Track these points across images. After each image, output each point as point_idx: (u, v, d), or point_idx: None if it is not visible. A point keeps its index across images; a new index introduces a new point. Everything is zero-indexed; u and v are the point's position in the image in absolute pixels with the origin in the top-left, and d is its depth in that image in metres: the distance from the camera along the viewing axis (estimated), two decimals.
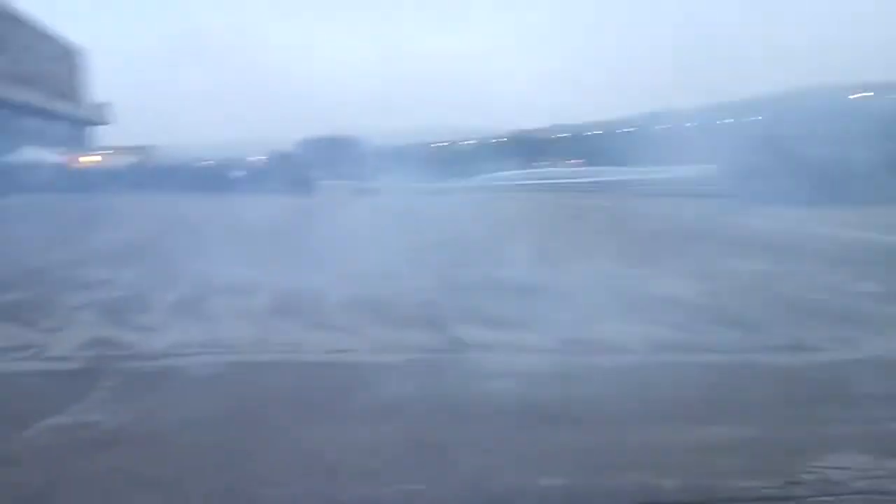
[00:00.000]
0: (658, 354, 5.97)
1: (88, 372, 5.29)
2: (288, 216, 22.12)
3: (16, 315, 7.22)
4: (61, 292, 8.48)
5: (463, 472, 3.57)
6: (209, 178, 43.85)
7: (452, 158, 79.24)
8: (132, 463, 3.63)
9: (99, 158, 47.93)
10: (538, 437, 4.03)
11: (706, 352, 6.09)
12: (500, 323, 7.02)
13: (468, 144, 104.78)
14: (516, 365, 5.53)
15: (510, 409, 4.53)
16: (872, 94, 24.53)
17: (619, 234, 16.48)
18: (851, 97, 24.58)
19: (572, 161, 71.36)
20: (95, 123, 60.53)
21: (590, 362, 5.66)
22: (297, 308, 7.63)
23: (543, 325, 6.92)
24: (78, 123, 56.69)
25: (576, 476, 3.54)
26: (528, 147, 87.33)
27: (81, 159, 46.44)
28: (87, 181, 41.63)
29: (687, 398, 4.80)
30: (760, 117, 28.17)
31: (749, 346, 6.14)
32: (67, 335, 6.44)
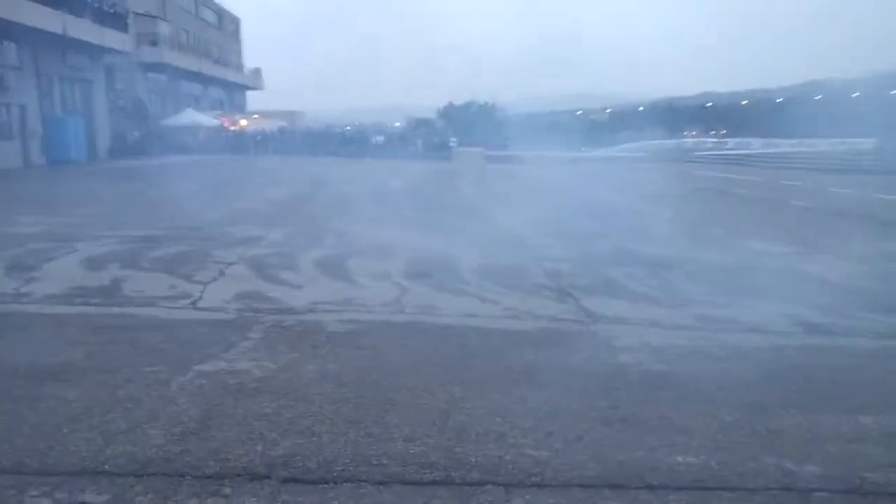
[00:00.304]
0: (802, 336, 5.66)
1: (238, 323, 5.65)
2: (426, 180, 22.48)
3: (175, 268, 7.79)
4: (215, 248, 9.06)
5: (590, 443, 3.55)
6: (351, 143, 45.24)
7: (590, 127, 77.64)
8: (274, 409, 3.87)
9: (251, 122, 50.40)
10: (669, 413, 3.93)
11: (854, 336, 5.72)
12: (636, 296, 6.88)
13: (607, 112, 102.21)
14: (649, 339, 5.41)
15: (639, 382, 4.45)
16: None
17: (766, 211, 15.64)
18: None
19: (719, 131, 68.10)
20: (249, 88, 63.68)
21: (727, 340, 5.45)
22: (433, 271, 7.78)
23: (680, 300, 6.72)
24: (233, 88, 59.81)
25: (709, 455, 3.44)
26: (672, 116, 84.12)
27: (236, 122, 49.04)
28: (241, 143, 44.00)
29: (833, 383, 4.54)
30: None
31: None
32: (220, 288, 6.89)
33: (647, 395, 4.24)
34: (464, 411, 3.91)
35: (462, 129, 50.99)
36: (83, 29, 28.51)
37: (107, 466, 3.19)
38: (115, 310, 6.00)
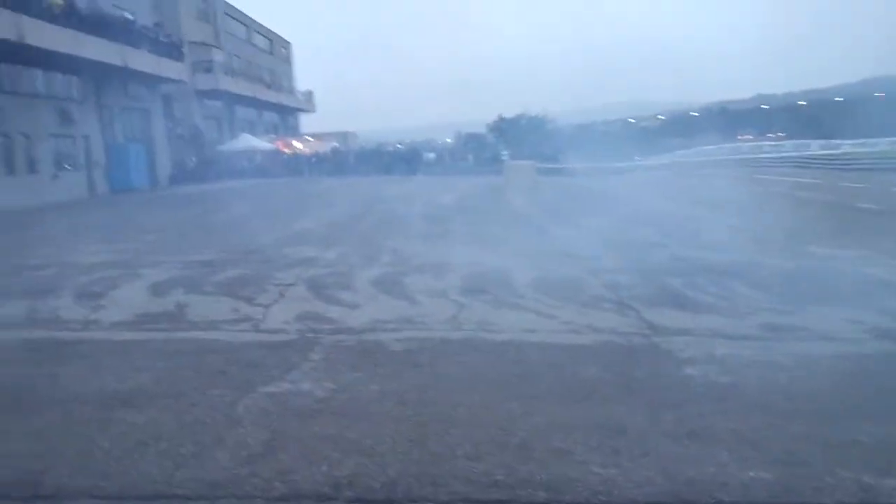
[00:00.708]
0: (872, 343, 5.47)
1: (299, 344, 5.72)
2: (478, 195, 22.50)
3: (236, 291, 7.94)
4: (274, 270, 9.21)
5: (657, 459, 3.47)
6: (403, 160, 45.62)
7: (642, 135, 76.75)
8: (338, 429, 3.89)
9: (305, 144, 51.29)
10: (738, 426, 3.82)
11: None
12: (698, 306, 6.75)
13: (659, 120, 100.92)
14: (713, 350, 5.28)
15: (706, 395, 4.34)
16: None
17: (830, 215, 15.20)
18: None
19: (776, 134, 66.54)
20: (302, 111, 64.85)
21: (794, 349, 5.29)
22: (489, 287, 7.76)
23: (744, 309, 6.56)
24: (286, 112, 60.99)
25: (783, 469, 3.33)
26: (726, 120, 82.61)
27: (290, 145, 49.95)
28: (296, 165, 44.80)
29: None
30: None
31: None
32: (280, 309, 6.99)
33: (714, 407, 4.13)
34: (526, 428, 3.88)
35: (513, 142, 50.96)
36: (141, 60, 29.50)
37: (177, 490, 3.26)
38: (180, 334, 6.14)
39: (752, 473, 3.31)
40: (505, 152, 45.49)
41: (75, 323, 6.67)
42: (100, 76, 28.21)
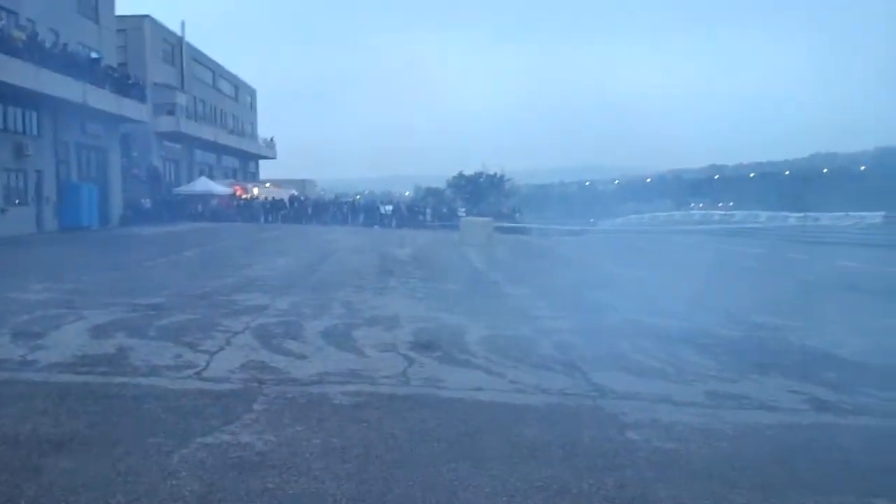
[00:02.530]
0: (812, 414, 5.57)
1: (242, 394, 5.61)
2: (434, 250, 22.57)
3: (181, 337, 7.78)
4: (222, 317, 9.06)
5: None
6: (360, 211, 45.70)
7: (597, 197, 78.33)
8: (276, 484, 3.81)
9: (263, 190, 51.03)
10: (679, 493, 3.84)
11: (864, 414, 5.63)
12: (644, 370, 6.81)
13: (614, 184, 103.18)
14: (658, 415, 5.33)
15: (648, 461, 4.36)
16: None
17: (774, 284, 15.60)
18: None
19: (727, 204, 68.50)
20: (262, 157, 64.71)
21: (736, 417, 5.36)
22: (439, 343, 7.74)
23: (688, 376, 6.65)
24: (247, 157, 60.76)
25: None
26: (680, 187, 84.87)
27: (248, 190, 49.65)
28: (252, 211, 44.50)
29: (844, 464, 4.44)
30: None
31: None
32: (226, 357, 6.86)
33: (656, 473, 4.15)
34: (469, 489, 3.84)
35: (471, 199, 51.63)
36: (102, 99, 29.27)
37: None
38: (120, 379, 5.97)
39: None
40: (462, 208, 45.97)
41: (11, 362, 6.45)
42: (59, 112, 27.85)
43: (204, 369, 6.39)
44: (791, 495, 3.91)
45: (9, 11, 25.14)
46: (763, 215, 36.72)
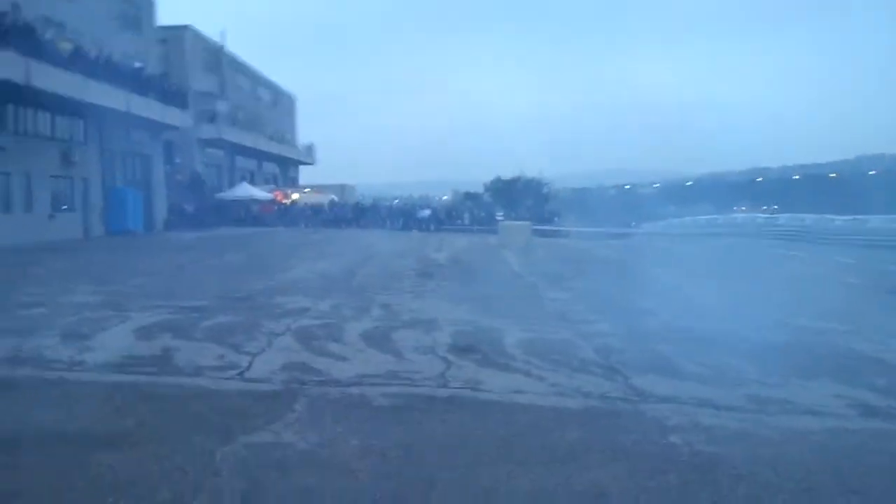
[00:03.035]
0: (859, 420, 5.45)
1: (283, 395, 5.68)
2: (473, 253, 22.58)
3: (224, 338, 7.91)
4: (264, 318, 9.18)
5: None
6: (400, 216, 45.92)
7: (637, 201, 77.55)
8: (317, 483, 3.85)
9: (303, 195, 51.61)
10: (721, 498, 3.79)
11: None
12: (686, 374, 6.73)
13: (654, 187, 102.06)
14: (699, 419, 5.26)
15: (690, 464, 4.31)
16: None
17: (822, 287, 15.28)
18: None
19: (771, 207, 67.26)
20: (302, 163, 65.52)
21: (780, 422, 5.27)
22: (478, 345, 7.74)
23: (731, 380, 6.55)
24: (286, 163, 61.61)
25: None
26: (722, 190, 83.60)
27: (288, 196, 50.28)
28: (292, 216, 45.04)
29: (892, 470, 4.34)
30: None
31: None
32: (267, 359, 6.96)
33: (697, 477, 4.10)
34: (508, 492, 3.84)
35: (509, 202, 51.46)
36: (146, 107, 29.92)
37: None
38: (166, 379, 6.10)
39: None
40: (500, 212, 45.88)
41: (61, 363, 6.62)
42: (104, 120, 28.54)
43: (246, 370, 6.49)
44: (838, 501, 3.83)
45: (55, 24, 25.83)
46: (808, 218, 35.87)
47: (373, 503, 3.63)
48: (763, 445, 4.73)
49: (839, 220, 33.13)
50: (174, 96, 33.39)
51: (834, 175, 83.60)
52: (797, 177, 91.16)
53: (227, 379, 6.18)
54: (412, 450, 4.45)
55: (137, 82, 29.50)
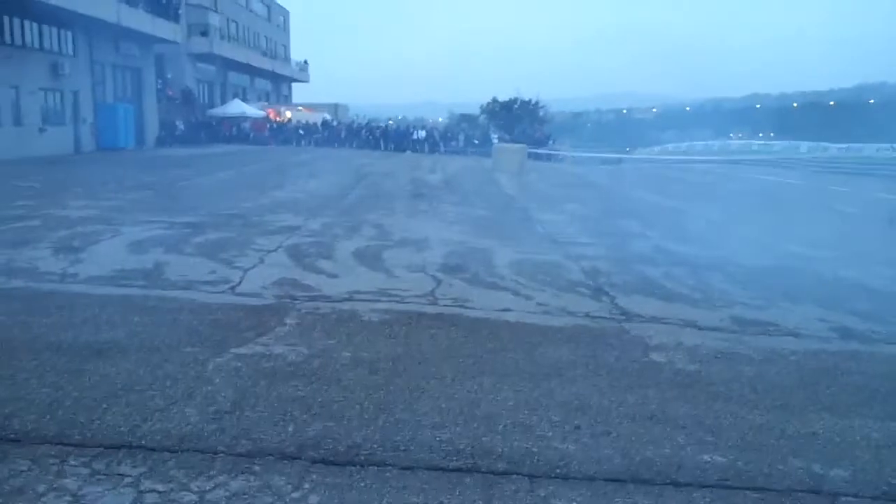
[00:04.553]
0: (839, 342, 5.57)
1: (275, 309, 5.76)
2: (466, 175, 22.50)
3: (216, 254, 7.95)
4: (256, 235, 9.21)
5: (617, 438, 3.56)
6: (393, 136, 45.47)
7: (635, 126, 76.89)
8: (307, 393, 3.95)
9: (296, 113, 50.88)
10: (699, 412, 3.92)
11: (892, 343, 5.62)
12: (672, 295, 6.83)
13: (653, 112, 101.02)
14: (682, 339, 5.37)
15: (670, 381, 4.43)
16: None
17: (811, 215, 15.35)
18: None
19: (767, 133, 66.84)
20: (295, 81, 64.30)
21: (761, 343, 5.38)
22: (468, 265, 7.82)
23: (716, 301, 6.66)
24: (280, 80, 60.47)
25: (737, 455, 3.43)
26: (720, 116, 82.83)
27: (281, 113, 49.56)
28: (285, 134, 44.54)
29: (867, 389, 4.46)
30: None
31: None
32: (259, 274, 7.02)
33: (677, 393, 4.22)
34: (492, 402, 3.95)
35: (504, 125, 50.89)
36: (136, 18, 29.12)
37: (143, 441, 3.30)
38: (157, 292, 6.15)
39: (707, 457, 3.40)
40: (496, 135, 45.46)
41: (53, 275, 6.67)
42: (93, 32, 27.84)
43: (238, 285, 6.56)
44: (810, 417, 3.96)
45: None
46: (804, 146, 35.81)
47: (361, 411, 3.73)
48: (743, 364, 4.86)
49: (833, 147, 33.07)
50: (165, 8, 32.47)
51: (833, 103, 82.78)
52: (796, 104, 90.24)
53: (218, 293, 6.25)
54: (400, 362, 4.55)
55: None
